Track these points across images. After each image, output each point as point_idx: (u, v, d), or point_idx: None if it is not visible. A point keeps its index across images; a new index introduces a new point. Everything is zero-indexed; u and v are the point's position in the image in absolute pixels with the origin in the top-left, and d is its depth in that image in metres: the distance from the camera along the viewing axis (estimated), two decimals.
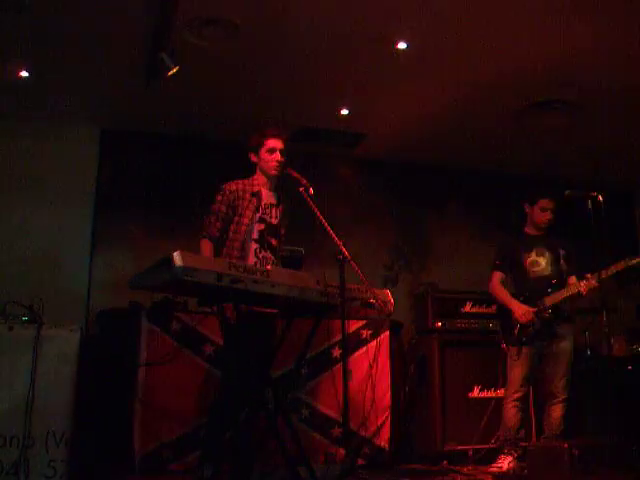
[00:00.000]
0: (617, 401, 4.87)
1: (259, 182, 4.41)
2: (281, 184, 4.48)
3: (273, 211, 4.40)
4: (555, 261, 5.23)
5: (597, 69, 5.48)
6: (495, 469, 5.02)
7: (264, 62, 5.44)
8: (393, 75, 5.66)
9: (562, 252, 5.24)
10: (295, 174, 4.18)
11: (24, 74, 5.55)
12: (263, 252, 4.30)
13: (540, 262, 5.25)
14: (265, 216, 4.35)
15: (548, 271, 5.21)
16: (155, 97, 5.90)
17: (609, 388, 5.25)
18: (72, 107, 6.22)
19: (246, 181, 4.40)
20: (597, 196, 4.66)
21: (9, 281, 5.61)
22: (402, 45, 5.18)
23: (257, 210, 4.32)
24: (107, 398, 5.04)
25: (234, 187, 4.33)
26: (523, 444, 5.06)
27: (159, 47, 4.91)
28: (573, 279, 5.16)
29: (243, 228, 4.26)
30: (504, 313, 5.25)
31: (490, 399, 5.76)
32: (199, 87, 5.84)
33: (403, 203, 7.67)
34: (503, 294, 5.27)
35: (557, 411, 5.06)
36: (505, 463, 5.02)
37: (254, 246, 4.27)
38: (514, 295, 5.23)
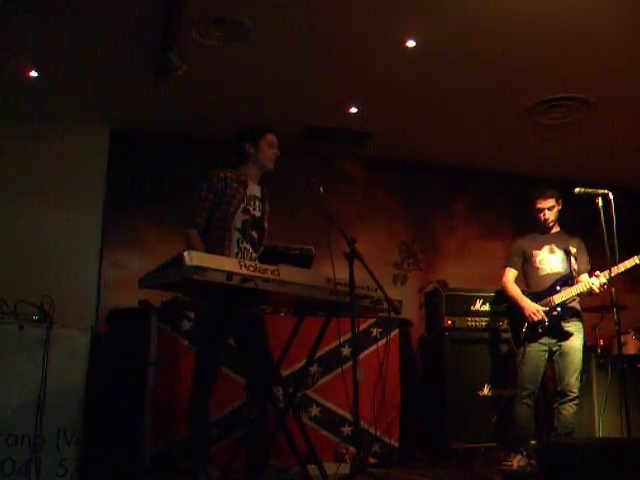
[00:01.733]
0: (628, 399, 4.84)
1: (246, 173, 4.40)
2: (265, 179, 4.48)
3: (257, 204, 4.38)
4: (565, 259, 5.24)
5: (608, 65, 5.46)
6: (505, 467, 5.01)
7: (272, 61, 5.45)
8: (402, 73, 5.65)
9: (573, 250, 5.24)
10: (304, 172, 4.17)
11: (33, 74, 5.57)
12: (245, 243, 4.28)
13: (550, 260, 5.27)
14: (249, 207, 4.32)
15: (558, 269, 5.23)
16: (164, 97, 5.91)
17: (620, 386, 5.23)
18: (81, 107, 6.24)
19: (233, 171, 4.39)
20: (607, 194, 4.64)
21: (20, 281, 5.63)
22: (411, 43, 5.17)
23: (243, 200, 4.30)
24: (117, 397, 5.06)
25: (222, 175, 4.29)
26: (533, 442, 5.06)
27: (167, 47, 4.91)
28: (584, 277, 5.16)
29: (229, 216, 4.22)
30: (514, 310, 5.27)
31: (500, 397, 5.75)
32: (208, 86, 5.85)
33: (412, 202, 7.67)
34: (514, 291, 5.30)
35: (568, 409, 5.05)
36: (515, 461, 5.02)
37: (237, 236, 4.24)
38: (524, 292, 5.25)
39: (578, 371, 5.09)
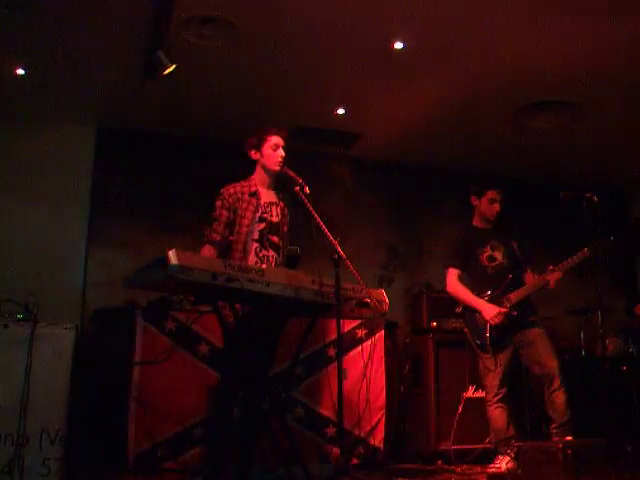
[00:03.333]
0: (611, 401, 4.87)
1: (257, 182, 4.40)
2: (280, 182, 4.48)
3: (273, 209, 4.39)
4: (511, 254, 5.11)
5: (596, 69, 5.49)
6: (494, 469, 4.96)
7: (261, 61, 5.45)
8: (389, 75, 5.66)
9: (514, 244, 5.13)
10: (291, 173, 4.18)
11: (20, 72, 5.55)
12: (264, 251, 4.28)
13: (496, 256, 5.10)
14: (265, 215, 4.33)
15: (506, 265, 5.08)
16: (152, 96, 5.90)
17: (603, 388, 5.25)
18: (68, 106, 6.21)
19: (244, 182, 4.39)
20: (592, 197, 4.66)
21: (4, 279, 5.60)
22: (398, 45, 5.18)
23: (257, 210, 4.32)
24: (102, 396, 5.05)
25: (232, 190, 4.32)
26: (516, 443, 5.02)
27: (156, 45, 4.91)
28: (529, 272, 5.09)
29: (244, 229, 4.25)
30: (469, 312, 5.09)
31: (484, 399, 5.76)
32: (196, 86, 5.84)
33: (399, 203, 7.68)
34: (466, 294, 5.08)
35: (559, 396, 4.82)
36: (503, 463, 4.95)
37: (254, 246, 4.27)
38: (474, 293, 5.07)
39: (554, 351, 4.90)
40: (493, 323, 4.91)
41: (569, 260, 4.82)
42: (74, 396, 4.48)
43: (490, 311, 4.93)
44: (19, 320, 4.40)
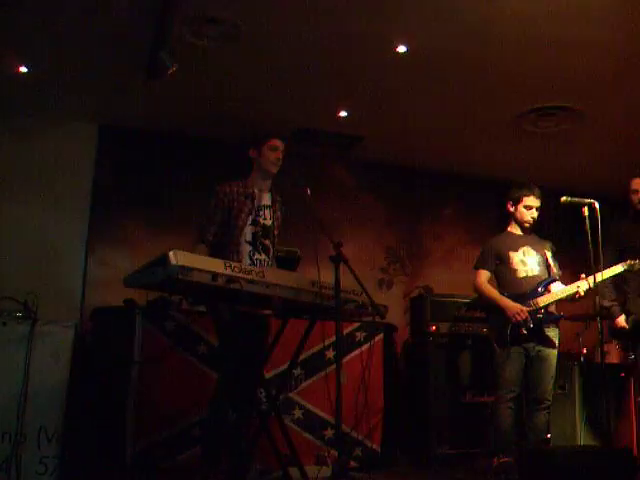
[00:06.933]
0: (610, 408, 4.86)
1: (253, 183, 4.40)
2: (275, 185, 4.49)
3: (267, 212, 4.39)
4: (542, 261, 5.13)
5: (598, 74, 5.49)
6: (492, 474, 4.94)
7: (263, 62, 5.45)
8: (392, 78, 5.67)
9: (548, 253, 5.17)
10: (293, 175, 4.17)
11: (23, 70, 5.55)
12: (257, 255, 4.29)
13: (528, 262, 5.11)
14: (259, 218, 4.33)
15: (536, 271, 5.09)
16: (154, 95, 5.90)
17: (602, 395, 5.24)
18: (70, 104, 6.21)
19: (240, 183, 4.39)
20: (593, 203, 4.66)
21: (4, 277, 5.60)
22: (402, 48, 5.19)
23: (251, 212, 4.31)
24: (100, 396, 5.04)
25: (228, 189, 4.31)
26: (518, 448, 5.01)
27: (158, 45, 4.90)
28: (556, 283, 5.09)
29: (237, 231, 4.24)
30: (493, 312, 5.11)
31: (483, 403, 5.76)
32: (198, 86, 5.84)
33: (400, 206, 7.68)
34: (492, 292, 5.11)
35: (542, 417, 4.95)
36: (501, 466, 4.93)
37: (248, 249, 4.26)
38: (502, 294, 5.09)
39: (554, 378, 4.99)
40: (514, 320, 4.90)
41: (601, 272, 4.72)
42: (72, 395, 4.48)
43: (513, 308, 4.93)
44: (18, 318, 4.40)
